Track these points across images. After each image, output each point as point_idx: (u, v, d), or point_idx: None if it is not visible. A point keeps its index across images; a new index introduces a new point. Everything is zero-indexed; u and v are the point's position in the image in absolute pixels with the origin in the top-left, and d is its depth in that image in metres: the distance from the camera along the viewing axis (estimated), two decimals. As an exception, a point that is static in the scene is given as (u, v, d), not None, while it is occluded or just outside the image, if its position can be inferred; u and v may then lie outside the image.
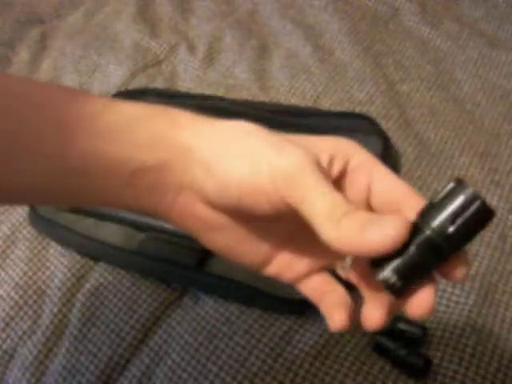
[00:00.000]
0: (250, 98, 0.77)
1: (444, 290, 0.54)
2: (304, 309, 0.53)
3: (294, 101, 0.77)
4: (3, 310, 0.57)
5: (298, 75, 0.80)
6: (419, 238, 0.26)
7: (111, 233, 0.59)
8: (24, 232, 0.63)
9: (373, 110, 0.74)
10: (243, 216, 0.29)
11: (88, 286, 0.57)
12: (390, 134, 0.68)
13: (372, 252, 0.25)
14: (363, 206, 0.29)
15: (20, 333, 0.55)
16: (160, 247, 0.57)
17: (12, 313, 0.56)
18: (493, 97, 0.76)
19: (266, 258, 0.31)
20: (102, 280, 0.58)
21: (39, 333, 0.54)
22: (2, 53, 0.88)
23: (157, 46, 0.87)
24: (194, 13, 0.95)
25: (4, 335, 0.55)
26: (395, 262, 0.26)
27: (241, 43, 0.87)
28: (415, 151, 0.68)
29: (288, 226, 0.30)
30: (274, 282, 0.53)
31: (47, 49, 0.89)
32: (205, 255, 0.56)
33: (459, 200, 0.25)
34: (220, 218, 0.29)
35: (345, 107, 0.75)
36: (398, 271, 0.26)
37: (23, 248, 0.61)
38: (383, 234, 0.24)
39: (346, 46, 0.85)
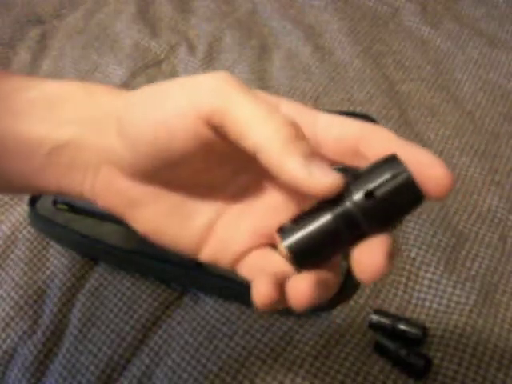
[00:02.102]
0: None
1: (444, 291, 0.54)
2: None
3: (294, 101, 0.76)
4: (3, 310, 0.57)
5: (298, 75, 0.80)
6: (337, 208, 0.23)
7: (111, 233, 0.59)
8: (24, 232, 0.63)
9: (373, 110, 0.74)
10: (168, 182, 0.27)
11: (88, 285, 0.57)
12: (390, 134, 0.68)
13: (306, 190, 0.23)
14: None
15: (20, 333, 0.55)
16: (160, 247, 0.57)
17: (12, 313, 0.56)
18: (493, 97, 0.76)
19: (199, 238, 0.28)
20: (102, 280, 0.58)
21: (39, 333, 0.54)
22: (2, 53, 0.88)
23: (157, 46, 0.87)
24: (194, 13, 0.95)
25: (4, 335, 0.55)
26: (303, 231, 0.24)
27: (241, 43, 0.87)
28: (415, 151, 0.68)
29: (222, 198, 0.28)
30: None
31: (47, 49, 0.89)
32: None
33: (385, 172, 0.23)
34: (143, 190, 0.27)
35: (345, 107, 0.75)
36: (305, 242, 0.24)
37: (23, 248, 0.61)
38: (325, 178, 0.23)
39: (346, 45, 0.85)
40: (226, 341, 0.52)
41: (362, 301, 0.54)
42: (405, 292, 0.55)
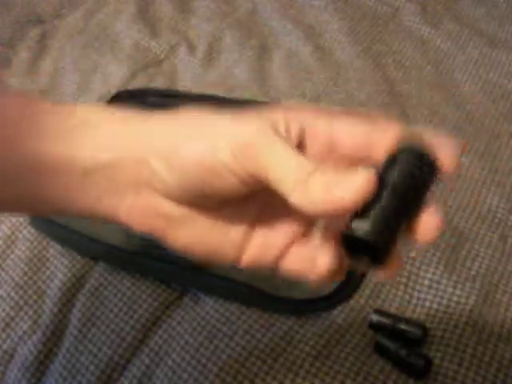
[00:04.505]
0: (250, 98, 0.77)
1: (444, 291, 0.54)
2: (304, 309, 0.53)
3: (295, 101, 0.77)
4: (3, 310, 0.56)
5: (298, 75, 0.80)
6: (387, 189, 0.25)
7: (111, 233, 0.59)
8: (24, 232, 0.63)
9: (373, 110, 0.74)
10: (209, 204, 0.28)
11: (88, 285, 0.57)
12: (391, 134, 0.68)
13: (342, 209, 0.24)
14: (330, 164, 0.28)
15: (20, 333, 0.55)
16: (160, 247, 0.57)
17: (12, 313, 0.56)
18: (493, 97, 0.75)
19: (239, 245, 0.29)
20: (102, 280, 0.58)
21: (39, 333, 0.54)
22: (2, 53, 0.88)
23: (157, 46, 0.87)
24: (194, 13, 0.95)
25: (4, 335, 0.55)
26: (369, 219, 0.24)
27: (241, 43, 0.87)
28: (415, 151, 0.68)
29: (256, 204, 0.29)
30: (274, 281, 0.54)
31: (47, 49, 0.89)
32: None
33: (411, 158, 0.25)
34: (185, 212, 0.28)
35: (345, 107, 0.75)
36: (375, 226, 0.24)
37: (23, 248, 0.61)
38: (353, 186, 0.23)
39: (346, 45, 0.85)
40: (226, 341, 0.52)
41: (362, 301, 0.54)
42: (405, 292, 0.55)
